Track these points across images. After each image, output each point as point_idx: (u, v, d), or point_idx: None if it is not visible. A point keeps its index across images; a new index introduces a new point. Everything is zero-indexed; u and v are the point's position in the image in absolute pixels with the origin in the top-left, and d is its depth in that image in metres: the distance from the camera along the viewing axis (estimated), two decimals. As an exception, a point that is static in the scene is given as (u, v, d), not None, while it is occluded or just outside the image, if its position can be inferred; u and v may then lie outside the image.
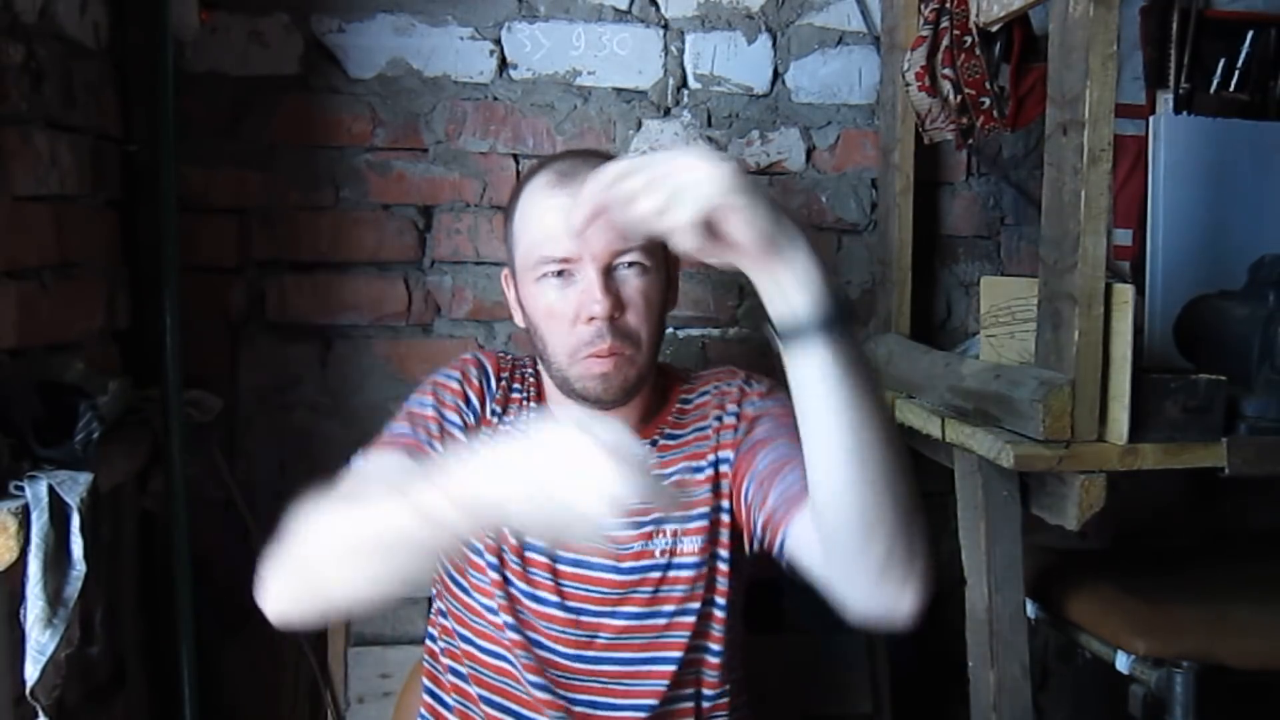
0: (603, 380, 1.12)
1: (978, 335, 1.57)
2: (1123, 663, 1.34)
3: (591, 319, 1.10)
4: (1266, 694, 1.53)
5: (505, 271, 1.24)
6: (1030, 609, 1.49)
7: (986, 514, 1.33)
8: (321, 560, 0.94)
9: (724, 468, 1.20)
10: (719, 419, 1.22)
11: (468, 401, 1.21)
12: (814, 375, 0.89)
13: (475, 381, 1.23)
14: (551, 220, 1.13)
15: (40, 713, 1.10)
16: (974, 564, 1.36)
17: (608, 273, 1.11)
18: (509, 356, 1.29)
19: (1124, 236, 1.69)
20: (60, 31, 1.38)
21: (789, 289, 0.89)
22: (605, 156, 1.21)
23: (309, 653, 1.63)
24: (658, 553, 1.17)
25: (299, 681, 1.68)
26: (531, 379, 1.26)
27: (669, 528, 1.18)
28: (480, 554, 1.19)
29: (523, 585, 1.18)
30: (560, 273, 1.12)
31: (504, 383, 1.24)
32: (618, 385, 1.13)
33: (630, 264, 1.12)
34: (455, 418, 1.19)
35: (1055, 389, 1.22)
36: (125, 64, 1.59)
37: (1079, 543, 1.45)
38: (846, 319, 0.88)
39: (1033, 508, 1.33)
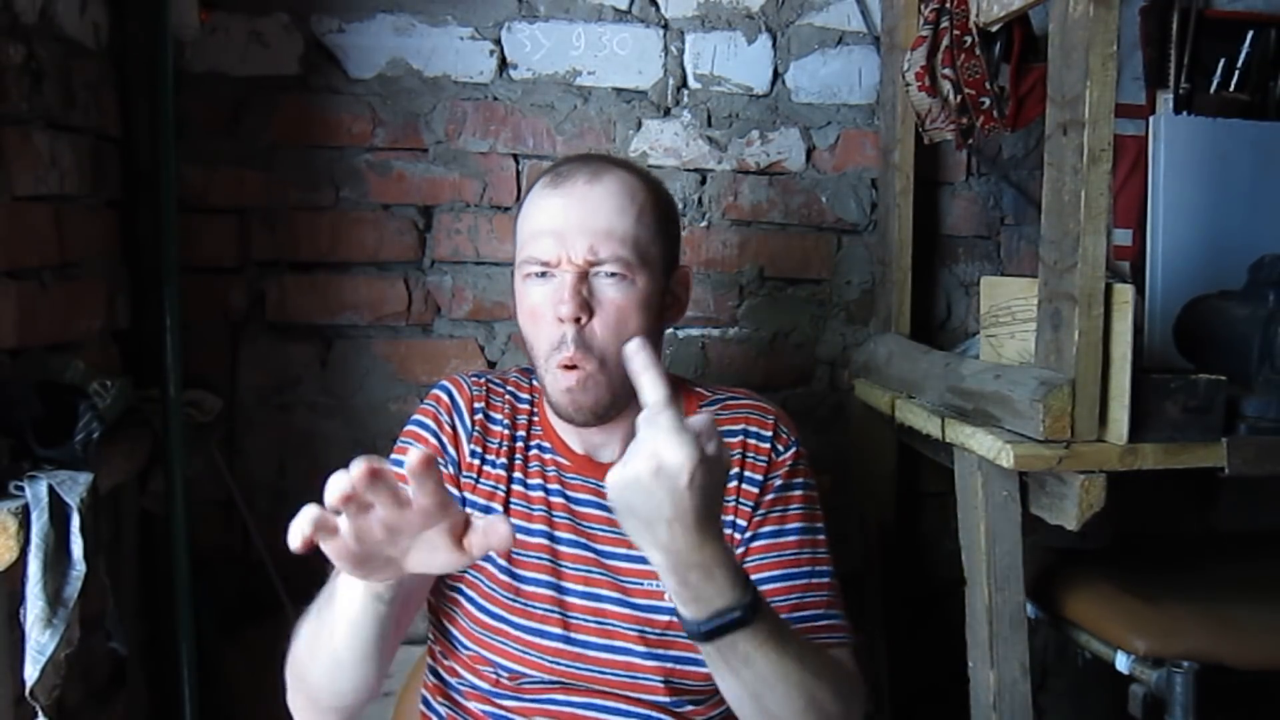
0: (569, 396, 1.11)
1: (978, 335, 1.57)
2: (1123, 663, 1.34)
3: (561, 320, 1.10)
4: (1266, 694, 1.53)
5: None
6: (1030, 609, 1.49)
7: (986, 514, 1.33)
8: (309, 673, 1.06)
9: (730, 531, 1.18)
10: (739, 476, 1.20)
11: (444, 453, 1.19)
12: (710, 658, 0.98)
13: (449, 427, 1.20)
14: (541, 220, 1.13)
15: (40, 713, 1.10)
16: (974, 564, 1.36)
17: (582, 278, 1.10)
18: (483, 380, 1.25)
19: (1124, 236, 1.69)
20: (60, 31, 1.38)
21: (676, 600, 0.95)
22: (606, 159, 1.21)
23: (309, 653, 1.63)
24: (667, 596, 1.15)
25: (299, 681, 1.68)
26: (524, 401, 1.24)
27: None
28: (467, 598, 1.17)
29: (524, 621, 1.15)
30: (544, 274, 1.12)
31: (480, 415, 1.21)
32: (587, 405, 1.12)
33: (610, 273, 1.11)
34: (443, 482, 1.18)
35: (1055, 389, 1.22)
36: (125, 64, 1.59)
37: (1079, 543, 1.45)
38: (722, 634, 0.94)
39: (1033, 508, 1.33)
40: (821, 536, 1.21)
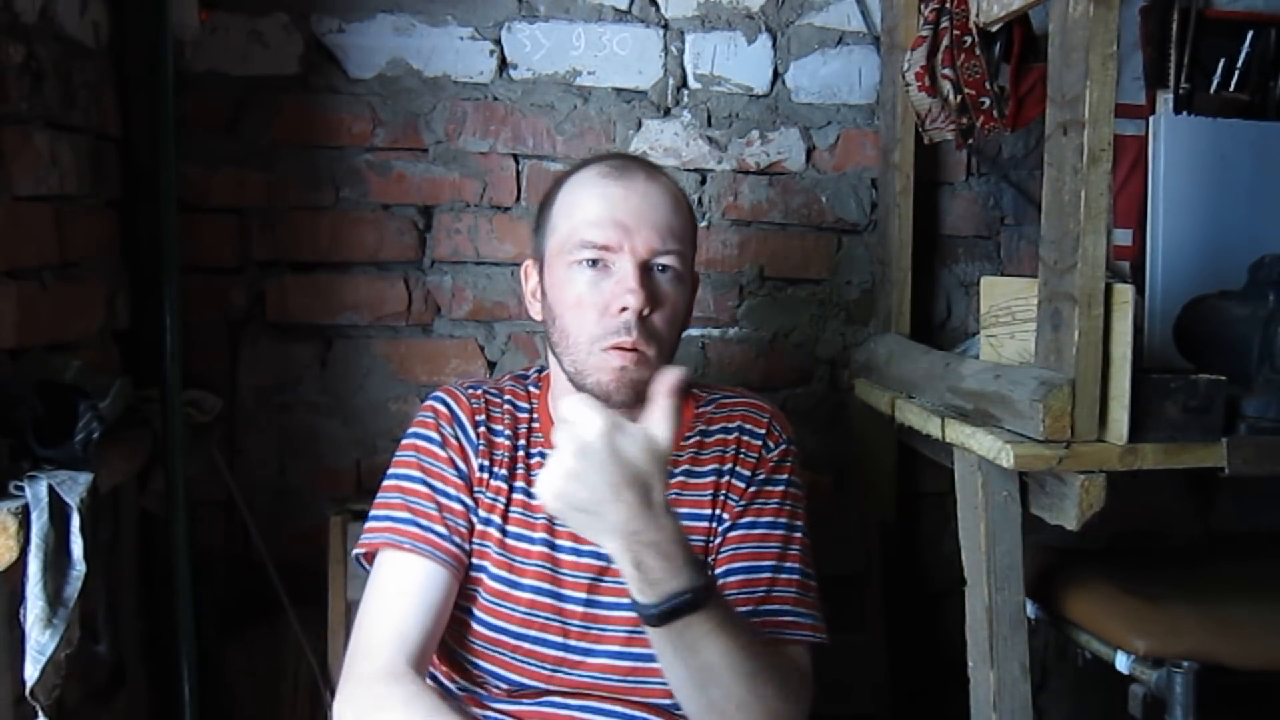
0: (619, 374, 1.10)
1: (978, 335, 1.57)
2: (1123, 663, 1.34)
3: (623, 309, 1.09)
4: (1266, 694, 1.53)
5: (527, 263, 1.23)
6: (1030, 609, 1.49)
7: (986, 514, 1.33)
8: None
9: (713, 524, 1.20)
10: (730, 471, 1.21)
11: (455, 466, 1.18)
12: (657, 643, 1.01)
13: (455, 440, 1.19)
14: (600, 207, 1.13)
15: (40, 713, 1.10)
16: (974, 564, 1.36)
17: (645, 269, 1.11)
18: (480, 391, 1.24)
19: (1124, 236, 1.69)
20: (60, 31, 1.38)
21: (629, 586, 0.97)
22: (651, 164, 1.22)
23: (309, 653, 1.63)
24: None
25: (299, 681, 1.68)
26: (524, 410, 1.23)
27: None
28: (476, 619, 1.18)
29: (523, 630, 1.16)
30: (595, 262, 1.12)
31: (483, 427, 1.20)
32: (629, 382, 1.11)
33: (665, 268, 1.13)
34: (450, 490, 1.17)
35: (1055, 389, 1.22)
36: (125, 64, 1.59)
37: (1079, 543, 1.46)
38: (675, 617, 0.96)
39: (1033, 508, 1.33)
40: (799, 535, 1.21)
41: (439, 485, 1.17)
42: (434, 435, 1.20)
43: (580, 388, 1.14)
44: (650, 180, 1.16)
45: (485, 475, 1.19)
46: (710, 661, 0.99)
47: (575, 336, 1.13)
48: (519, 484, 1.19)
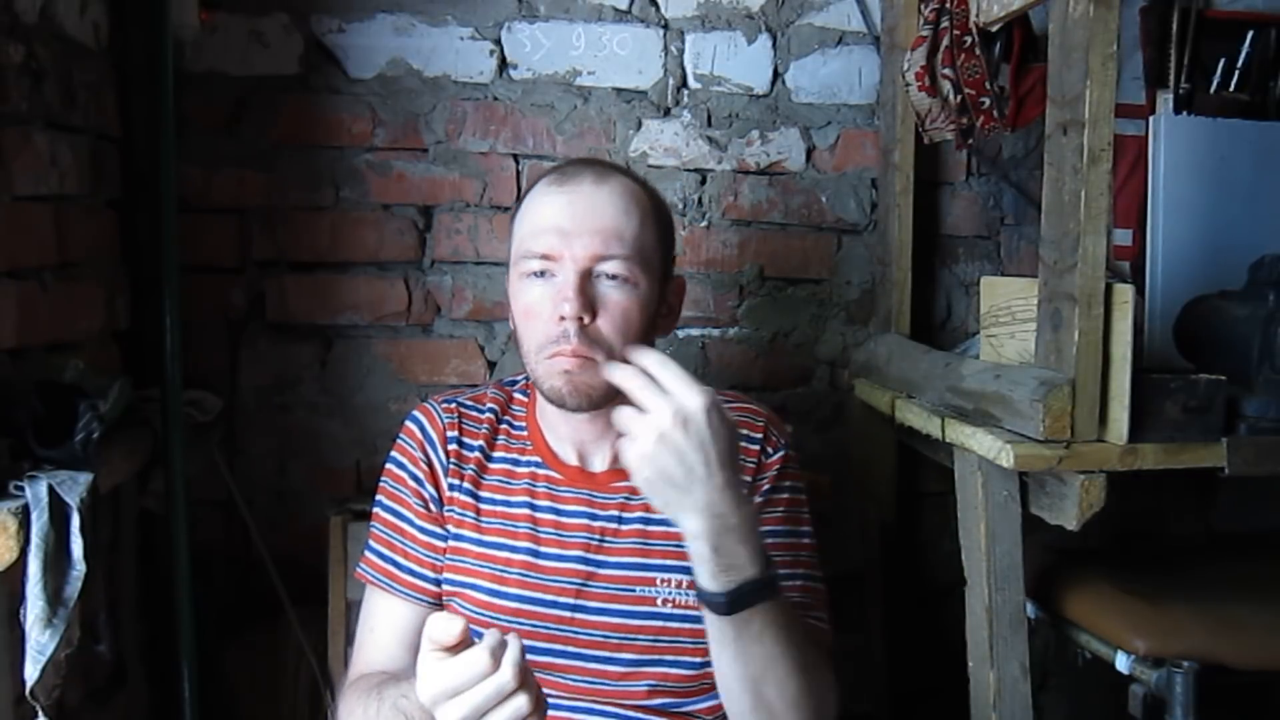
0: (566, 379, 1.10)
1: (978, 335, 1.57)
2: (1123, 663, 1.35)
3: (562, 318, 1.09)
4: (1266, 694, 1.53)
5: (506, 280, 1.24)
6: (1030, 609, 1.49)
7: (986, 514, 1.33)
8: None
9: None
10: None
11: (423, 493, 1.20)
12: (720, 636, 1.00)
13: (425, 464, 1.20)
14: (543, 216, 1.13)
15: (40, 713, 1.11)
16: (974, 564, 1.36)
17: (586, 276, 1.10)
18: (454, 405, 1.24)
19: (1124, 236, 1.69)
20: (60, 31, 1.38)
21: (699, 572, 0.98)
22: (609, 164, 1.22)
23: (309, 653, 1.63)
24: (659, 601, 1.16)
25: (299, 681, 1.68)
26: (504, 418, 1.24)
27: (673, 577, 1.17)
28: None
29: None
30: (542, 272, 1.12)
31: (454, 445, 1.21)
32: (582, 387, 1.10)
33: (611, 275, 1.11)
34: (418, 520, 1.19)
35: (1055, 389, 1.22)
36: (125, 64, 1.59)
37: (1079, 543, 1.46)
38: (746, 605, 0.97)
39: (1033, 508, 1.33)
40: (807, 540, 1.22)
41: (407, 514, 1.20)
42: (405, 461, 1.22)
43: (542, 393, 1.15)
44: (598, 184, 1.13)
45: (455, 493, 1.20)
46: (771, 653, 1.00)
47: (526, 345, 1.14)
48: (484, 493, 1.20)
